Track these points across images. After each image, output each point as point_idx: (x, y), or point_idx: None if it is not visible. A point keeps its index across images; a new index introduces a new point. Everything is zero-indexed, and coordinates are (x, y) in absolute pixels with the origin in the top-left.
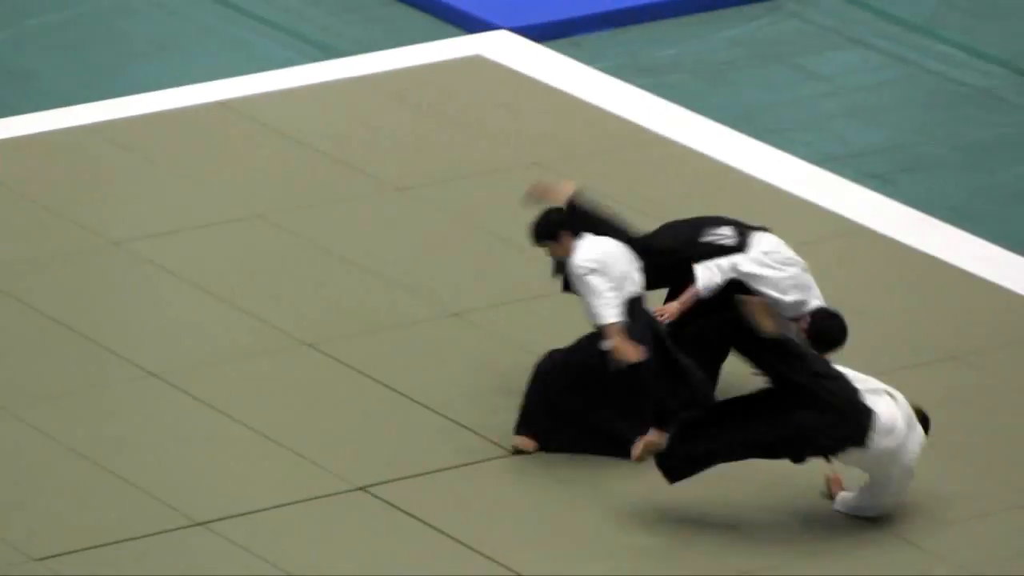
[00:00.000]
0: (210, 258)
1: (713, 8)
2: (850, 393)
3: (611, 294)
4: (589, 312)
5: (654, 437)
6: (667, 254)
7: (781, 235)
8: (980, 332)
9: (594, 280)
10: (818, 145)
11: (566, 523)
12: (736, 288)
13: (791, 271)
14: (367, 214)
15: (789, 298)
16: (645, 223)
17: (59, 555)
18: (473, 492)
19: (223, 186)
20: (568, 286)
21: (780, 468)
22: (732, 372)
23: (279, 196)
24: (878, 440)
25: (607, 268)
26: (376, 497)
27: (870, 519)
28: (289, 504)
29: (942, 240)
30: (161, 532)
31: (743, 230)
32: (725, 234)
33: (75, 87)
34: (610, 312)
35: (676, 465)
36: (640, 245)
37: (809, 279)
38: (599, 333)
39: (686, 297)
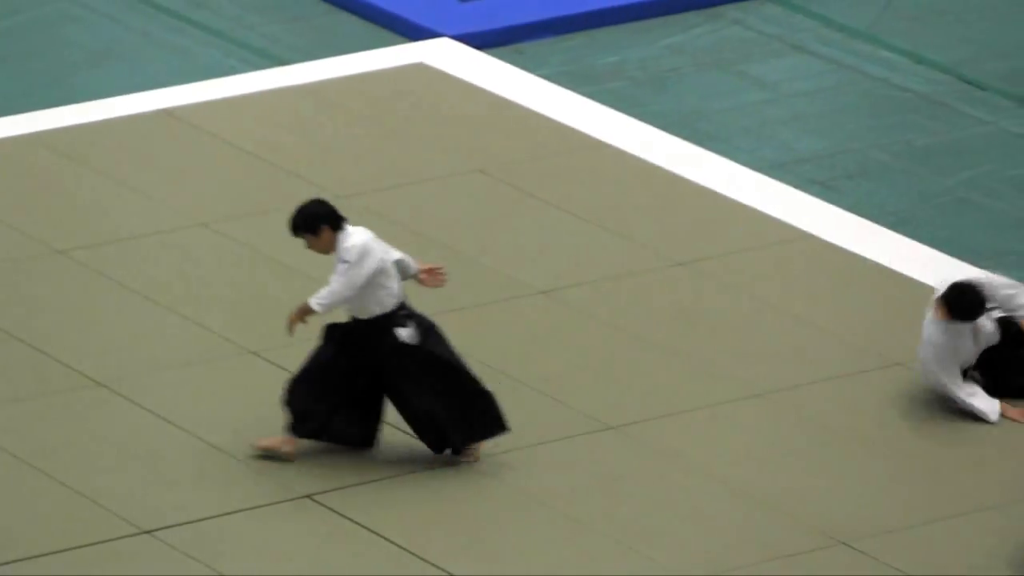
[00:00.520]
0: (154, 266)
1: (655, 16)
2: None
3: (349, 293)
4: (323, 292)
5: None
6: None
7: (725, 242)
8: None
9: (352, 273)
10: (761, 152)
11: (510, 528)
12: None
13: None
14: None
15: None
16: (587, 229)
17: (4, 563)
18: (420, 500)
19: (166, 194)
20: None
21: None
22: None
23: (222, 204)
24: None
25: (364, 262)
26: (321, 505)
27: None
28: (235, 512)
29: (885, 246)
30: (107, 540)
31: None
32: None
33: (16, 96)
34: (327, 303)
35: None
36: None
37: None
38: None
39: None
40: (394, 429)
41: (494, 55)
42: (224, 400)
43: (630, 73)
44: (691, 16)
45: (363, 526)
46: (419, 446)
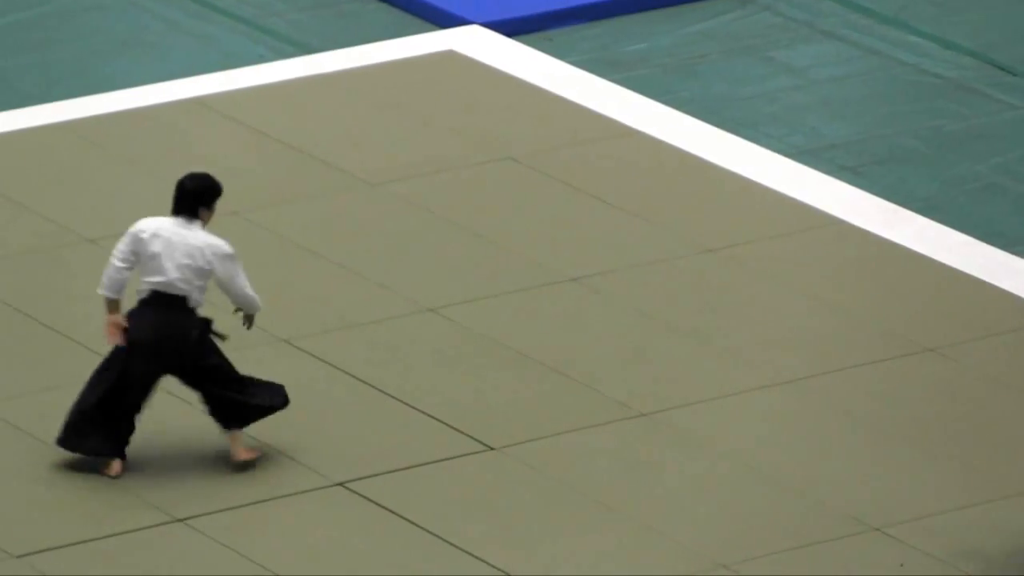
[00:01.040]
0: None
1: (683, 2)
2: None
3: (121, 264)
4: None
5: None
6: None
7: (754, 228)
8: (954, 324)
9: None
10: (789, 138)
11: (541, 515)
12: None
13: None
14: (340, 210)
15: None
16: (617, 216)
17: (39, 552)
18: (451, 487)
19: None
20: None
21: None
22: None
23: (252, 193)
24: None
25: (143, 243)
26: (355, 492)
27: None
28: (269, 500)
29: (915, 232)
30: (141, 528)
31: None
32: None
33: (45, 85)
34: (105, 281)
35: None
36: None
37: None
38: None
39: None
40: (427, 417)
41: (523, 42)
42: None
43: (659, 60)
44: (720, 2)
45: (396, 513)
46: (453, 435)
